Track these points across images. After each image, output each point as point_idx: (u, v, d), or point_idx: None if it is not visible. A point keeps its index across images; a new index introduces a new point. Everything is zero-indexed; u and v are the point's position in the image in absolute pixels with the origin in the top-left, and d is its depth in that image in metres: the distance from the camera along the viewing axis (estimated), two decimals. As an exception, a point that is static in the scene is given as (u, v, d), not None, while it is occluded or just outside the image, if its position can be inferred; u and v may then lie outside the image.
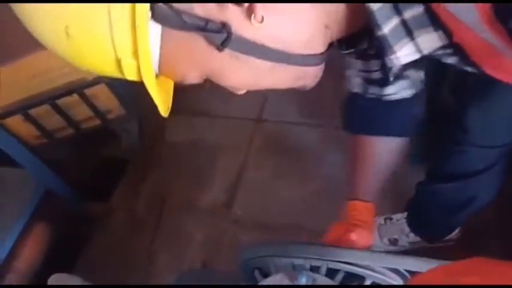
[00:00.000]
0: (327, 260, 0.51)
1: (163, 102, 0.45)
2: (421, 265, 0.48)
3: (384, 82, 0.60)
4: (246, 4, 0.37)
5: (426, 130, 1.17)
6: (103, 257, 1.31)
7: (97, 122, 1.39)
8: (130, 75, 0.40)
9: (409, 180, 1.25)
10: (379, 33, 0.40)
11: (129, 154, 1.51)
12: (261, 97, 1.60)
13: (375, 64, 0.58)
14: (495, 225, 1.10)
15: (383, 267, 0.51)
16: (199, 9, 0.37)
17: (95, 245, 1.34)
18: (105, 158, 1.50)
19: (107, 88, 1.30)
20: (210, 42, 0.38)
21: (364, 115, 0.68)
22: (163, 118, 1.67)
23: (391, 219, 1.16)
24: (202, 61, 0.41)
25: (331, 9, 0.41)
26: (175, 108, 1.73)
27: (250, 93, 1.66)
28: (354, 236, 0.69)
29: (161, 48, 0.39)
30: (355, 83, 0.64)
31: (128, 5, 0.35)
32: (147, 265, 1.28)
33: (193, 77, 0.43)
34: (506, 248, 1.08)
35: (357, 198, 0.75)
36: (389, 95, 0.62)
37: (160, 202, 1.40)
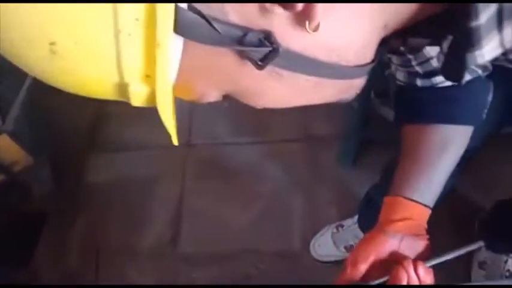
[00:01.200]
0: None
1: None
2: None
3: (429, 74, 0.53)
4: (300, 5, 0.28)
5: (360, 130, 1.23)
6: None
7: (1, 177, 1.19)
8: (140, 102, 0.31)
9: (349, 184, 1.30)
10: (473, 24, 0.32)
11: (46, 205, 1.32)
12: (185, 120, 1.52)
13: (411, 59, 0.52)
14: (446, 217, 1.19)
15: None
16: (235, 15, 0.28)
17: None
18: (17, 215, 1.29)
19: (8, 139, 1.12)
20: (247, 57, 0.30)
21: (422, 102, 0.57)
22: (79, 158, 1.51)
23: (343, 226, 1.18)
24: (232, 79, 0.32)
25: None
26: (91, 145, 1.59)
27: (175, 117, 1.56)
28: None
29: (180, 65, 0.29)
30: (400, 76, 0.57)
31: (143, 11, 0.25)
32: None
33: (214, 96, 0.34)
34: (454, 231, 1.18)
35: (411, 198, 0.53)
36: (441, 82, 0.54)
37: (96, 252, 1.24)
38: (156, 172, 1.40)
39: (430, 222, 1.17)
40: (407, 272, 0.48)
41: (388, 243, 0.50)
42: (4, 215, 1.27)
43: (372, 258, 0.50)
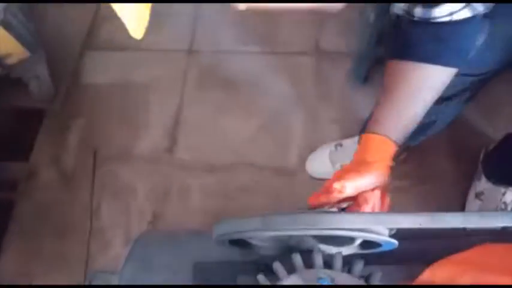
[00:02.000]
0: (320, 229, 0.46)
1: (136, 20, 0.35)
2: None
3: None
4: None
5: (374, 45, 1.14)
6: (38, 218, 1.17)
7: (-5, 69, 1.16)
8: None
9: (356, 103, 1.25)
10: None
11: (44, 103, 1.30)
12: (189, 25, 1.43)
13: None
14: (445, 143, 1.15)
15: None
16: None
17: (25, 208, 1.19)
18: (15, 110, 1.28)
19: (2, 29, 1.06)
20: None
21: (411, 39, 0.57)
22: (78, 57, 1.44)
23: (342, 145, 1.15)
24: None
25: None
26: (90, 43, 1.52)
27: (176, 21, 1.49)
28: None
29: None
30: (398, 6, 0.56)
31: None
32: (90, 222, 1.17)
33: None
34: (454, 164, 1.15)
35: (378, 132, 0.57)
36: (439, 17, 0.54)
37: (92, 153, 1.25)
38: (156, 76, 1.35)
39: (432, 148, 1.13)
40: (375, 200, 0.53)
41: (369, 182, 0.54)
42: (2, 110, 1.26)
43: (347, 191, 0.53)
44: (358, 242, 0.49)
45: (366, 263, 0.48)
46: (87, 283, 0.70)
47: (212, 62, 1.37)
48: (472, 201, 1.07)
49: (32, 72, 1.25)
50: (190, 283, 0.63)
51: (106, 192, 1.20)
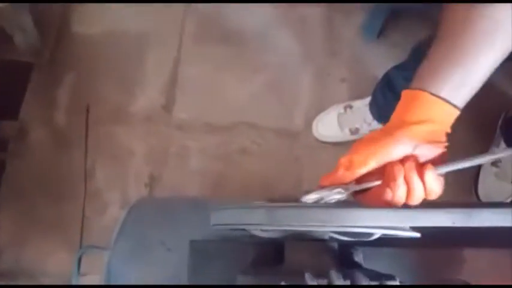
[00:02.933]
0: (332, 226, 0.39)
1: None
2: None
3: None
4: None
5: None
6: (30, 179, 1.12)
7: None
8: None
9: (368, 61, 1.15)
10: None
11: (32, 56, 1.21)
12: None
13: None
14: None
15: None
16: None
17: (17, 169, 1.13)
18: (0, 65, 1.19)
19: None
20: None
21: None
22: (65, 6, 1.30)
23: (351, 107, 1.08)
24: None
25: None
26: None
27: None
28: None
29: None
30: None
31: None
32: (85, 183, 1.12)
33: None
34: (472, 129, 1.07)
35: (437, 94, 0.41)
36: None
37: (84, 111, 1.17)
38: (151, 29, 1.24)
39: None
40: (407, 175, 0.39)
41: (395, 151, 0.40)
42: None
43: (371, 165, 0.40)
44: (376, 236, 0.43)
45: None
46: (78, 256, 0.67)
47: (212, 13, 1.25)
48: (488, 168, 1.01)
49: (15, 22, 1.15)
50: (186, 262, 0.59)
51: (101, 153, 1.14)
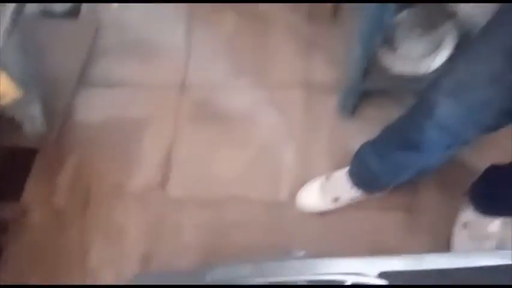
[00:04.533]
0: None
1: None
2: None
3: None
4: None
5: (361, 79, 1.17)
6: (28, 259, 1.16)
7: (-10, 109, 1.17)
8: None
9: (346, 136, 1.26)
10: None
11: (37, 142, 1.31)
12: (181, 60, 1.46)
13: None
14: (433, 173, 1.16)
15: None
16: None
17: (16, 250, 1.18)
18: (7, 150, 1.28)
19: (-2, 70, 1.08)
20: None
21: None
22: (71, 95, 1.44)
23: (332, 177, 1.16)
24: None
25: None
26: (84, 81, 1.53)
27: (168, 56, 1.51)
28: None
29: None
30: None
31: None
32: (81, 262, 1.16)
33: None
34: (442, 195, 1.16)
35: None
36: None
37: (85, 191, 1.25)
38: (149, 112, 1.36)
39: (421, 179, 1.14)
40: None
41: None
42: (-6, 150, 1.26)
43: None
44: (349, 283, 0.50)
45: None
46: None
47: (204, 97, 1.39)
48: (459, 231, 1.08)
49: (26, 111, 1.26)
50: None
51: (98, 232, 1.19)
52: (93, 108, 1.38)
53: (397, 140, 0.94)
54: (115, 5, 1.58)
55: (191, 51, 1.47)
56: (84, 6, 1.56)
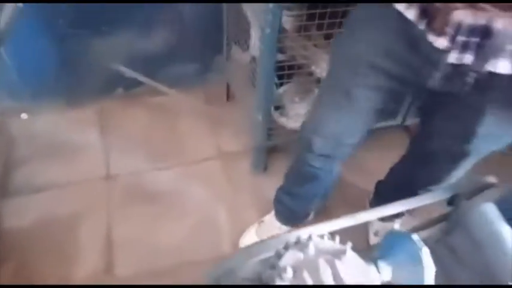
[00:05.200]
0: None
1: None
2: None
3: None
4: None
5: (266, 139, 1.44)
6: None
7: None
8: None
9: (263, 188, 1.49)
10: None
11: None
12: (101, 154, 1.57)
13: None
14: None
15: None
16: None
17: None
18: None
19: None
20: None
21: None
22: None
23: (263, 221, 1.36)
24: None
25: None
26: (5, 191, 1.56)
27: (87, 154, 1.64)
28: None
29: None
30: None
31: None
32: None
33: None
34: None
35: None
36: None
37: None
38: (79, 207, 1.42)
39: (332, 199, 1.40)
40: None
41: None
42: None
43: None
44: None
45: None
46: None
47: (131, 183, 1.50)
48: (373, 239, 1.35)
49: None
50: None
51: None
52: (22, 214, 1.38)
53: (296, 177, 1.17)
54: (24, 115, 1.66)
55: (109, 145, 1.60)
56: (-9, 122, 1.60)
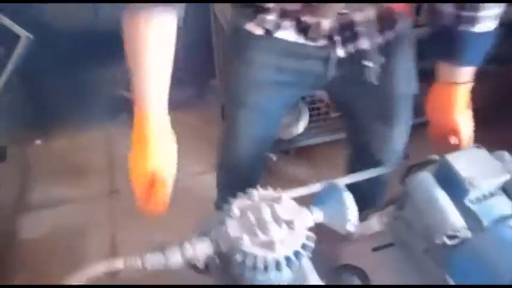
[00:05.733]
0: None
1: None
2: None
3: None
4: None
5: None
6: None
7: None
8: None
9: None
10: None
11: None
12: (109, 172, 1.72)
13: None
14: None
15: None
16: None
17: None
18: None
19: None
20: None
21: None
22: (11, 219, 1.66)
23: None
24: None
25: None
26: (22, 207, 1.71)
27: (96, 168, 1.78)
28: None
29: None
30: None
31: None
32: None
33: None
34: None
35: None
36: None
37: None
38: (84, 218, 1.55)
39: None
40: None
41: None
42: None
43: None
44: None
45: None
46: None
47: (132, 198, 1.63)
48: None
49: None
50: None
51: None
52: (36, 228, 1.52)
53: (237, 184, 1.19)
54: (38, 141, 1.83)
55: (114, 165, 1.75)
56: (10, 149, 1.77)
